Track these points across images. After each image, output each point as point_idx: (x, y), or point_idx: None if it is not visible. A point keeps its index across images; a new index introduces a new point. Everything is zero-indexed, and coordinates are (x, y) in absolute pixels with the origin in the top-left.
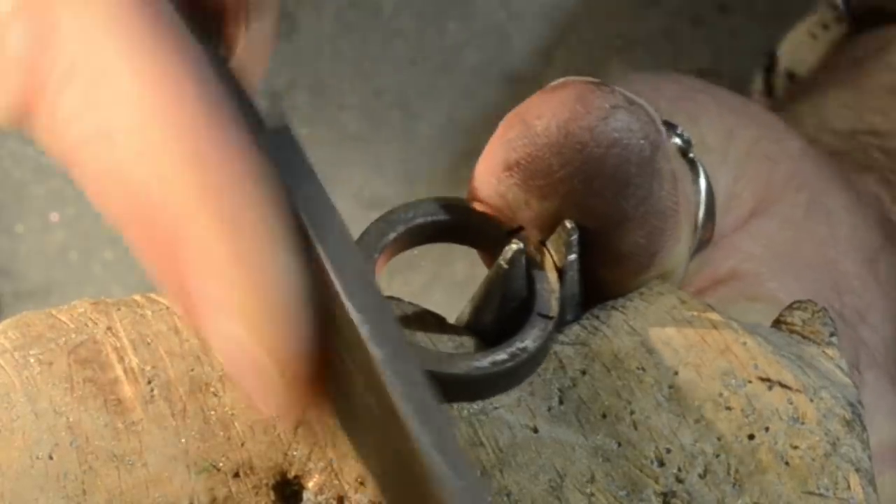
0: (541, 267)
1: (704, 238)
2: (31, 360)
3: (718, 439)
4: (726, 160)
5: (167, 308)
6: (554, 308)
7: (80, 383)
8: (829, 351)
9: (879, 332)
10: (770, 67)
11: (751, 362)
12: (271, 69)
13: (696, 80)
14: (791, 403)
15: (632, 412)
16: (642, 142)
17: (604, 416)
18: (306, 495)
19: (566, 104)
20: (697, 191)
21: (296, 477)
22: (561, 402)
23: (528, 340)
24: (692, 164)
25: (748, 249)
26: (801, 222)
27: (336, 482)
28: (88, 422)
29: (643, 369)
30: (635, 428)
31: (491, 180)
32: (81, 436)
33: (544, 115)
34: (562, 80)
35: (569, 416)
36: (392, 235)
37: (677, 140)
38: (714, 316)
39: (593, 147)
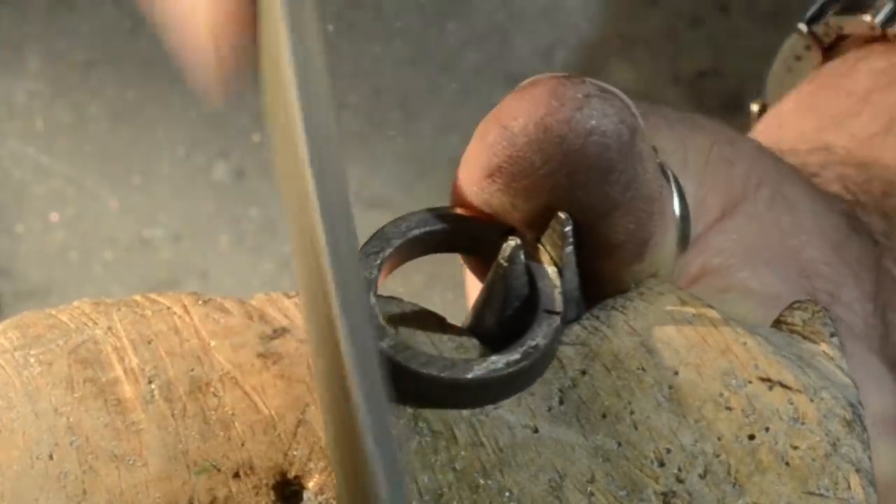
0: (540, 263)
1: (682, 245)
2: (32, 360)
3: (719, 439)
4: (686, 170)
5: (167, 308)
6: (559, 303)
7: (80, 383)
8: (830, 351)
9: (856, 311)
10: (761, 104)
11: (751, 362)
12: (206, 167)
13: (640, 103)
14: (791, 404)
15: (632, 412)
16: (620, 126)
17: (604, 416)
18: (306, 495)
19: (540, 101)
20: (671, 195)
21: (296, 477)
22: (561, 402)
23: (539, 338)
24: (662, 171)
25: (716, 245)
26: (765, 215)
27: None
28: (88, 422)
29: (643, 369)
30: (635, 428)
31: (473, 189)
32: (81, 436)
33: (520, 115)
34: (530, 79)
35: (569, 416)
36: (388, 251)
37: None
38: (714, 315)
39: (573, 138)
